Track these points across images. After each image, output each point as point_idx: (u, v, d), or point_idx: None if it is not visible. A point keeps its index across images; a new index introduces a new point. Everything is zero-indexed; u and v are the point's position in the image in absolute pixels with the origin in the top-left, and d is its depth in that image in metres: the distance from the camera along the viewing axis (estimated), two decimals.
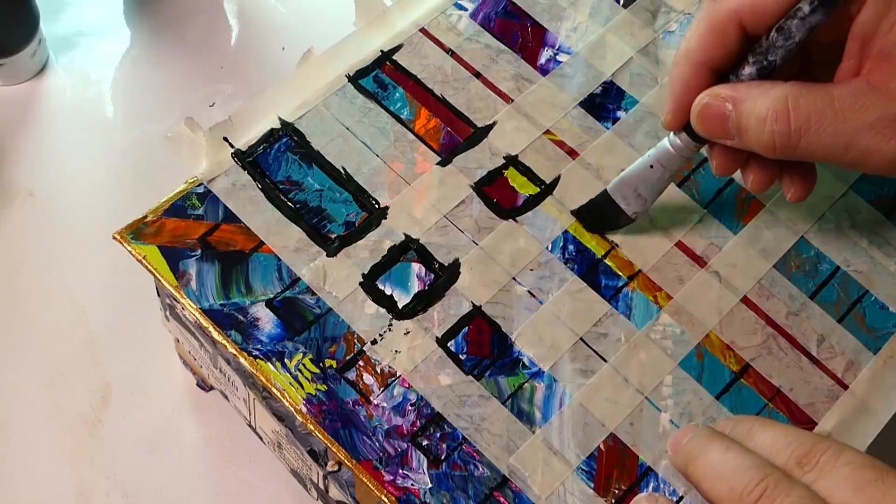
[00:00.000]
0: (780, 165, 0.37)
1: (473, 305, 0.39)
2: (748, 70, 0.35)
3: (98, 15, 0.61)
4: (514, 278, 0.40)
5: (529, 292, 0.40)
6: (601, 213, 0.41)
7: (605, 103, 0.44)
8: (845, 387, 0.39)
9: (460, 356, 0.38)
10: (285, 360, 0.38)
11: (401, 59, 0.45)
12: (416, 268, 0.40)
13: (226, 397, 0.47)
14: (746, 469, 0.31)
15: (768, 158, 0.35)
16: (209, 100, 0.58)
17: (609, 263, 0.41)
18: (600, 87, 0.45)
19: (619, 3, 0.47)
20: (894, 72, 0.32)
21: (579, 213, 0.41)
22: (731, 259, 0.41)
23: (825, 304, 0.41)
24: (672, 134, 0.38)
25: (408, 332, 0.39)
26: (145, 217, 0.40)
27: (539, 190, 0.42)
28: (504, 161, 0.43)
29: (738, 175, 0.41)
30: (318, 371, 0.38)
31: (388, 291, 0.39)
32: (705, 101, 0.35)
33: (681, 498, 0.37)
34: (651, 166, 0.39)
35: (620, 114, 0.44)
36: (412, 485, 0.36)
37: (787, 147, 0.34)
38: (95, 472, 0.47)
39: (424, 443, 0.37)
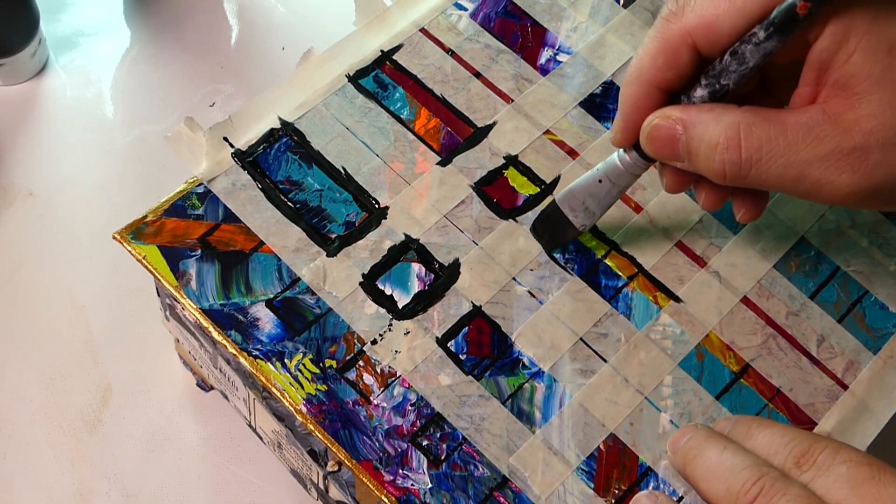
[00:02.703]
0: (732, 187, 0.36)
1: (473, 305, 0.39)
2: (700, 93, 0.34)
3: (98, 15, 0.61)
4: (514, 278, 0.40)
5: (529, 292, 0.40)
6: (550, 224, 0.40)
7: (605, 103, 0.44)
8: (845, 387, 0.39)
9: (460, 356, 0.38)
10: (285, 360, 0.38)
11: (401, 58, 0.45)
12: (416, 268, 0.40)
13: (226, 397, 0.47)
14: (743, 469, 0.31)
15: None
16: (209, 100, 0.58)
17: (609, 263, 0.41)
18: (600, 87, 0.45)
19: (619, 3, 0.47)
20: (850, 103, 0.31)
21: (535, 230, 0.41)
22: (731, 259, 0.41)
23: (825, 304, 0.41)
24: (622, 150, 0.37)
25: (408, 333, 0.39)
26: (145, 217, 0.40)
27: (539, 190, 0.42)
28: (504, 161, 0.43)
29: None
30: (318, 371, 0.38)
31: (388, 291, 0.39)
32: (655, 121, 0.34)
33: (681, 498, 0.37)
34: (600, 181, 0.38)
35: None
36: (412, 485, 0.36)
37: (736, 176, 0.33)
38: (95, 471, 0.47)
39: (424, 443, 0.37)
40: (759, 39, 0.32)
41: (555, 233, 0.40)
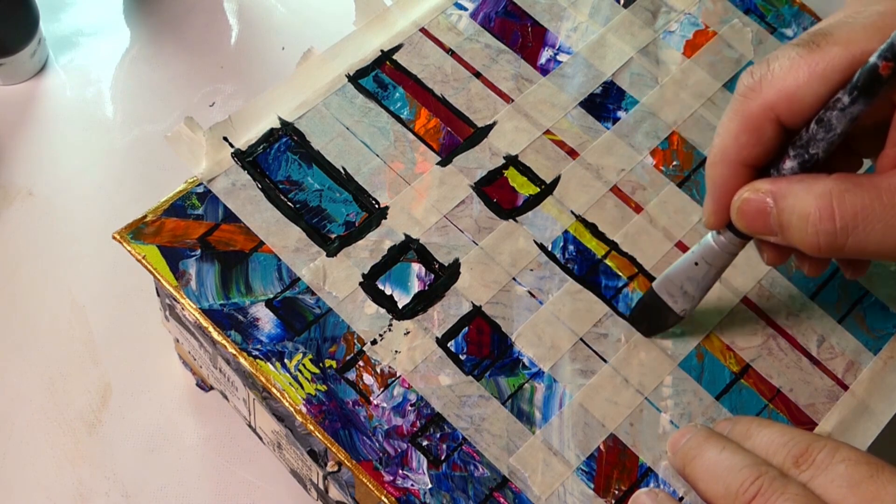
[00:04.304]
0: None
1: (473, 306, 0.39)
2: (789, 164, 0.33)
3: (98, 14, 0.61)
4: (514, 278, 0.40)
5: (529, 292, 0.40)
6: (649, 312, 0.39)
7: (605, 103, 0.45)
8: (845, 387, 0.39)
9: (460, 356, 0.38)
10: (285, 361, 0.38)
11: (401, 58, 0.45)
12: (416, 268, 0.40)
13: (225, 397, 0.47)
14: (741, 468, 0.31)
15: None
16: (209, 99, 0.58)
17: (609, 264, 0.41)
18: (600, 87, 0.45)
19: (619, 2, 0.47)
20: None
21: (633, 319, 0.40)
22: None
23: (825, 305, 0.41)
24: (715, 231, 0.36)
25: (408, 333, 0.39)
26: (145, 217, 0.40)
27: (539, 190, 0.42)
28: (504, 161, 0.43)
29: None
30: (317, 371, 0.38)
31: (388, 291, 0.39)
32: (745, 195, 0.33)
33: (681, 499, 0.37)
34: (696, 263, 0.37)
35: (621, 114, 0.44)
36: (412, 485, 0.36)
37: (832, 246, 0.32)
38: (95, 471, 0.47)
39: (424, 443, 0.37)
40: (844, 104, 0.31)
41: (655, 320, 0.39)
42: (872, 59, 0.30)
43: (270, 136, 0.42)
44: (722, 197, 0.34)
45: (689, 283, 0.37)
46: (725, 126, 0.34)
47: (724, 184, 0.34)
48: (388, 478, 0.36)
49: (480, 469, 0.36)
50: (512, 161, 0.43)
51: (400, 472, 0.36)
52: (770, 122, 0.33)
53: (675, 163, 0.43)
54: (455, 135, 0.43)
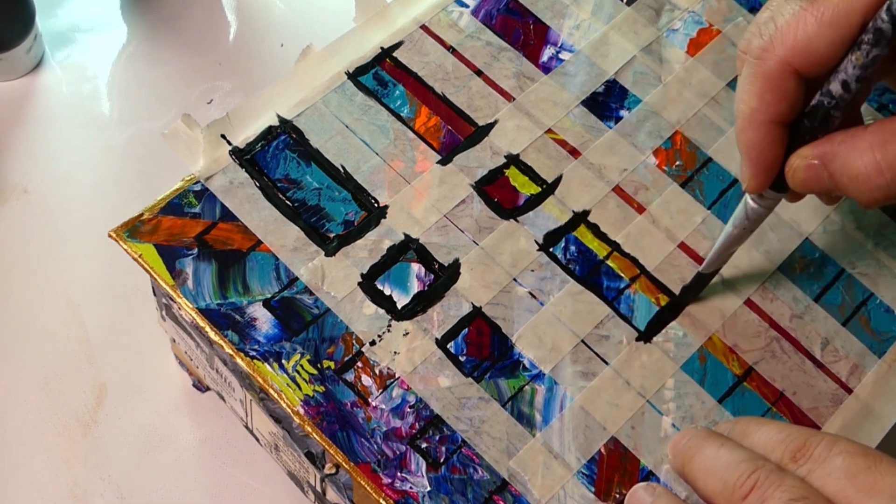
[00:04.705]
0: None
1: (473, 306, 0.39)
2: (823, 113, 0.33)
3: (94, 10, 0.61)
4: (514, 279, 0.40)
5: (530, 293, 0.40)
6: (693, 291, 0.40)
7: (607, 102, 0.44)
8: (850, 391, 0.39)
9: (460, 358, 0.38)
10: (283, 361, 0.37)
11: (401, 56, 0.45)
12: (416, 268, 0.40)
13: (222, 398, 0.47)
14: (738, 463, 0.31)
15: None
16: (207, 97, 0.58)
17: (611, 265, 0.41)
18: (603, 86, 0.45)
19: (622, 0, 0.47)
20: None
21: (680, 300, 0.40)
22: (735, 261, 0.41)
23: (830, 307, 0.41)
24: (756, 198, 0.37)
25: (407, 333, 0.38)
26: (141, 215, 0.40)
27: (540, 190, 0.42)
28: (505, 160, 0.42)
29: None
30: (315, 372, 0.37)
31: (387, 292, 0.39)
32: (795, 163, 0.34)
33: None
34: (736, 232, 0.38)
35: (623, 113, 0.44)
36: (411, 488, 0.36)
37: (887, 197, 0.33)
38: (90, 473, 0.47)
39: (423, 445, 0.36)
40: (868, 41, 0.31)
41: (695, 292, 0.40)
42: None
43: (269, 134, 0.42)
44: (759, 159, 0.35)
45: (727, 252, 0.39)
46: (747, 90, 0.34)
47: (759, 145, 0.35)
48: (386, 480, 0.36)
49: (480, 472, 0.36)
50: (513, 160, 0.42)
51: (398, 474, 0.36)
52: (791, 77, 0.33)
53: (678, 163, 0.43)
54: (455, 133, 0.43)
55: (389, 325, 0.38)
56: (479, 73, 0.44)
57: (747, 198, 0.37)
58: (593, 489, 0.36)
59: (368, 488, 0.36)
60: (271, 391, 0.37)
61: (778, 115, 0.34)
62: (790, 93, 0.34)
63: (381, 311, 0.39)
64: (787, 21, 0.33)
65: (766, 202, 0.36)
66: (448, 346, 0.38)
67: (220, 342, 0.38)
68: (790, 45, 0.33)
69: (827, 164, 0.33)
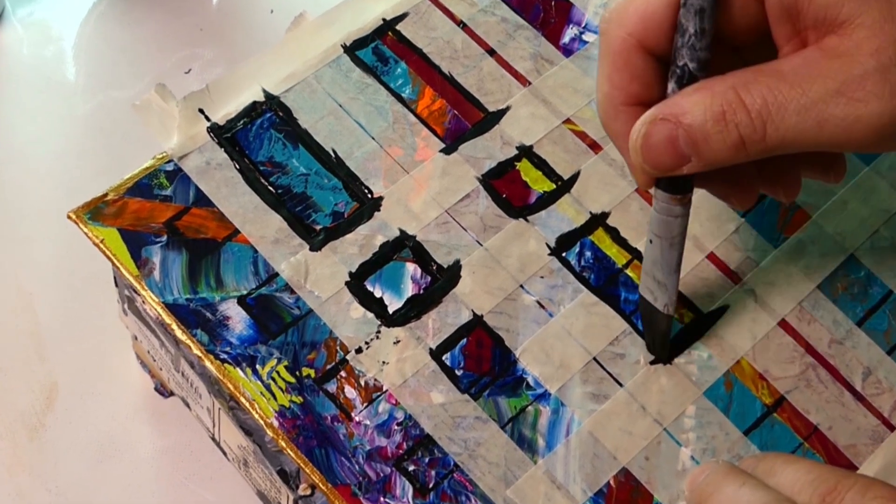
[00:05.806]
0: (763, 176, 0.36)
1: (474, 314, 0.39)
2: (670, 87, 0.33)
3: None
4: (521, 286, 0.40)
5: (538, 303, 0.40)
6: (648, 325, 0.39)
7: None
8: (892, 428, 0.39)
9: (456, 371, 0.38)
10: (257, 367, 0.38)
11: (405, 29, 0.45)
12: (411, 268, 0.40)
13: (187, 405, 0.47)
14: None
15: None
16: (185, 65, 0.58)
17: (631, 274, 0.41)
18: None
19: None
20: (842, 33, 0.31)
21: (649, 347, 0.39)
22: (770, 276, 0.41)
23: (874, 333, 0.41)
24: (655, 199, 0.36)
25: (398, 342, 0.38)
26: (105, 195, 0.40)
27: (555, 187, 0.42)
28: (517, 152, 0.43)
29: None
30: (293, 381, 0.37)
31: (377, 294, 0.39)
32: (643, 129, 0.33)
33: None
34: (650, 241, 0.37)
35: None
36: None
37: (753, 140, 0.32)
38: (35, 482, 0.47)
39: (411, 468, 0.37)
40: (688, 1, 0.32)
41: (654, 330, 0.39)
42: None
43: (252, 111, 0.42)
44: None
45: (654, 268, 0.37)
46: (599, 71, 0.35)
47: (625, 133, 0.34)
48: None
49: (473, 501, 0.36)
50: (526, 152, 0.43)
51: (381, 499, 0.36)
52: (636, 52, 0.34)
53: None
54: (462, 119, 0.43)
55: (378, 332, 0.39)
56: (491, 52, 0.45)
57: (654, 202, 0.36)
58: None
59: None
60: (242, 400, 0.37)
61: (633, 97, 0.34)
62: (639, 70, 0.34)
63: (370, 315, 0.39)
64: None
65: (662, 209, 0.35)
66: (443, 358, 0.38)
67: (188, 342, 0.38)
68: (629, 15, 0.33)
69: (681, 117, 0.33)
